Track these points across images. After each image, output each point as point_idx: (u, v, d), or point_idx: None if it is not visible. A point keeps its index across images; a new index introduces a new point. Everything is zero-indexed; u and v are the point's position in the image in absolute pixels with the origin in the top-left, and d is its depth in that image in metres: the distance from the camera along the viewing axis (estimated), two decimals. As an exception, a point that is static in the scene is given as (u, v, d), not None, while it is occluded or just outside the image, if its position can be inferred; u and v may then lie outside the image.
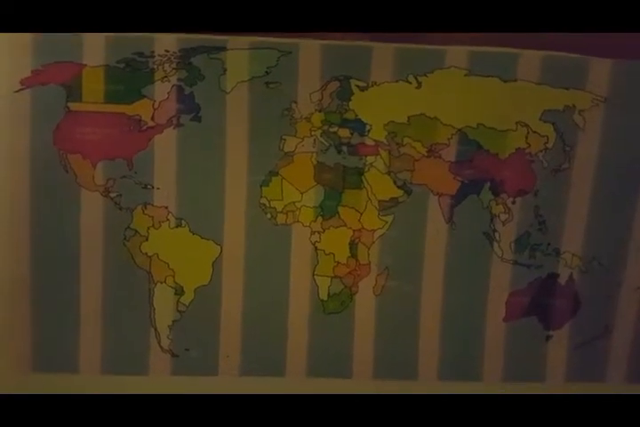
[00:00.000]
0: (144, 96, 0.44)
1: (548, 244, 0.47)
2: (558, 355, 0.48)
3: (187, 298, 0.46)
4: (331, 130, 0.45)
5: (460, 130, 0.45)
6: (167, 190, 0.45)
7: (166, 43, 0.44)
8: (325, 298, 0.46)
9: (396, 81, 0.45)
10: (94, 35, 0.43)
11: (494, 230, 0.46)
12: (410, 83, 0.45)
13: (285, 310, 0.46)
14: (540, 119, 0.45)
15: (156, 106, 0.44)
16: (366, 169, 0.45)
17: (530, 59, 0.45)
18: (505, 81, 0.45)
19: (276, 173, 0.45)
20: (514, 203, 0.46)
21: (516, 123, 0.45)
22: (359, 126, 0.45)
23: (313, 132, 0.45)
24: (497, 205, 0.46)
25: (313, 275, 0.46)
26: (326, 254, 0.46)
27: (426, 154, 0.45)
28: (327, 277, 0.46)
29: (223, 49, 0.44)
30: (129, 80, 0.44)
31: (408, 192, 0.46)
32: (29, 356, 0.46)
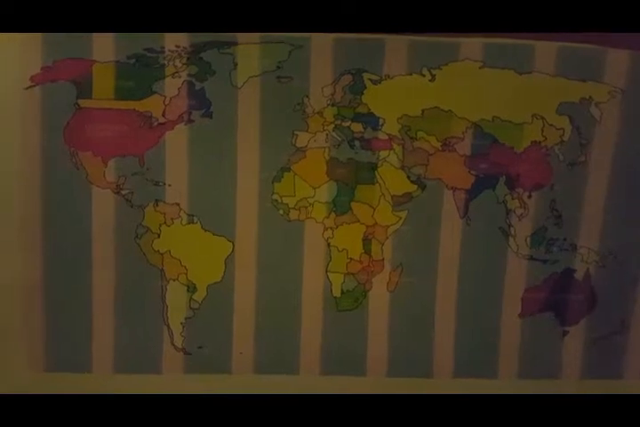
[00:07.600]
0: (155, 92, 0.44)
1: (565, 239, 0.46)
2: (575, 351, 0.47)
3: (199, 295, 0.46)
4: (343, 124, 0.45)
5: (474, 123, 0.45)
6: (179, 187, 0.45)
7: (176, 38, 0.43)
8: (339, 295, 0.46)
9: (410, 74, 0.44)
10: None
11: (510, 225, 0.46)
12: (424, 76, 0.44)
13: (298, 307, 0.46)
14: (556, 112, 0.45)
15: (166, 102, 0.44)
16: (379, 164, 0.45)
17: (545, 50, 0.44)
18: (520, 73, 0.44)
19: (288, 169, 0.45)
20: (530, 197, 0.46)
21: (532, 115, 0.45)
22: (372, 120, 0.45)
23: (325, 127, 0.45)
24: (512, 199, 0.46)
25: (326, 272, 0.46)
26: (339, 251, 0.46)
27: (440, 148, 0.45)
28: (340, 273, 0.46)
29: (234, 43, 0.44)
30: (139, 76, 0.44)
31: (422, 187, 0.45)
32: (42, 355, 0.45)
